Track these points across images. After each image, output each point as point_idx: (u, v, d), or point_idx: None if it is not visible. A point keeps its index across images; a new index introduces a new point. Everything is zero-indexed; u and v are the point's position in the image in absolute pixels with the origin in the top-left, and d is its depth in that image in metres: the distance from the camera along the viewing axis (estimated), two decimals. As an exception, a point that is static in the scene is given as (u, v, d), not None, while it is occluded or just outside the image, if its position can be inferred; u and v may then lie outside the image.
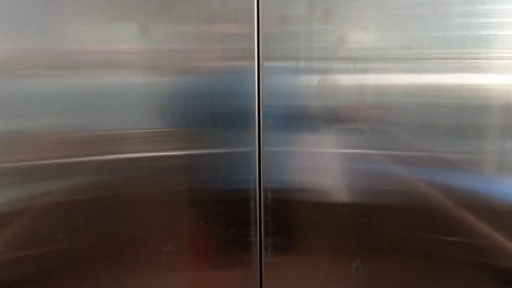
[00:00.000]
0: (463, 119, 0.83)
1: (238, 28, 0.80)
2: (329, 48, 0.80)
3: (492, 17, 0.79)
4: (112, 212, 0.86)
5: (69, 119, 0.81)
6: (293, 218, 0.89)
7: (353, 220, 0.88)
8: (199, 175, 0.85)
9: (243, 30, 0.79)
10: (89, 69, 0.79)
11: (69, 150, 0.82)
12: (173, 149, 0.84)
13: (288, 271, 0.90)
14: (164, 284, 0.90)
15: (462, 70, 0.81)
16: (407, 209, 0.87)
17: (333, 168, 0.87)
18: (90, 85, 0.80)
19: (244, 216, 0.86)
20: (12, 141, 0.81)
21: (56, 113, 0.81)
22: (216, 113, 0.83)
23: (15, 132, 0.81)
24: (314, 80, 0.82)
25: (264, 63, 0.81)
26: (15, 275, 0.86)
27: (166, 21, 0.79)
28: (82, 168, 0.83)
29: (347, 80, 0.82)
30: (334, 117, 0.84)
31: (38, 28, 0.77)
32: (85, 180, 0.84)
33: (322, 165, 0.86)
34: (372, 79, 0.82)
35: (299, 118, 0.83)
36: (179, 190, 0.87)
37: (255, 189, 0.85)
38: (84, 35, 0.78)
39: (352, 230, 0.89)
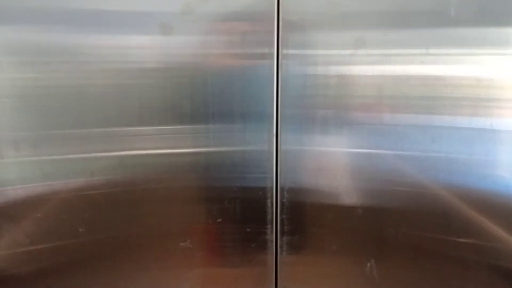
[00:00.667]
0: (479, 120, 0.83)
1: (257, 25, 0.80)
2: (348, 47, 0.80)
3: None
4: (129, 207, 0.87)
5: (89, 115, 0.82)
6: (309, 218, 0.89)
7: (368, 220, 0.88)
8: (216, 173, 0.86)
9: (262, 28, 0.80)
10: (109, 65, 0.80)
11: (89, 146, 0.83)
12: (191, 146, 0.85)
13: (303, 270, 0.91)
14: (179, 280, 0.90)
15: (480, 71, 0.81)
16: (422, 211, 0.87)
17: (350, 169, 0.87)
18: (109, 81, 0.81)
19: (261, 214, 0.87)
20: (35, 136, 0.82)
21: (77, 109, 0.82)
22: (234, 110, 0.83)
23: (38, 127, 0.82)
24: (333, 79, 0.82)
25: (283, 62, 0.81)
26: (33, 267, 0.87)
27: (185, 17, 0.79)
28: (101, 163, 0.84)
29: (366, 79, 0.82)
30: (353, 116, 0.84)
31: (57, 22, 0.79)
32: (104, 175, 0.85)
33: (339, 165, 0.86)
34: (391, 78, 0.82)
35: (317, 117, 0.84)
36: (197, 187, 0.88)
37: (271, 188, 0.86)
38: (103, 31, 0.79)
39: (367, 231, 0.89)
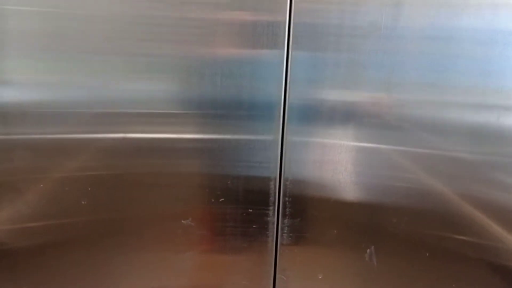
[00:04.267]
0: (482, 119, 0.83)
1: (269, 16, 0.80)
2: (359, 41, 0.81)
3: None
4: (133, 188, 0.88)
5: (97, 95, 0.82)
6: (311, 204, 0.89)
7: (370, 213, 0.89)
8: (221, 160, 0.86)
9: (274, 19, 0.80)
10: (117, 47, 0.80)
11: (95, 125, 0.84)
12: (197, 132, 0.85)
13: (303, 253, 0.92)
14: (180, 258, 0.91)
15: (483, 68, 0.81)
16: (422, 207, 0.87)
17: (355, 162, 0.87)
18: (119, 61, 0.81)
19: (263, 196, 0.87)
20: (40, 113, 0.83)
21: (84, 88, 0.82)
22: (242, 99, 0.83)
23: (45, 104, 0.82)
24: (341, 72, 0.82)
25: (293, 52, 0.81)
26: (34, 242, 0.88)
27: (198, 6, 0.79)
28: (107, 144, 0.85)
29: (374, 73, 0.82)
30: (359, 111, 0.84)
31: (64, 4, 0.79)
32: (109, 155, 0.85)
33: (344, 158, 0.87)
34: (399, 74, 0.82)
35: (324, 110, 0.84)
36: (200, 172, 0.88)
37: (275, 177, 0.86)
38: (113, 12, 0.79)
39: (368, 222, 0.89)
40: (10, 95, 0.81)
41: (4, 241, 0.88)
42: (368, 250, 0.90)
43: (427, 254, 0.89)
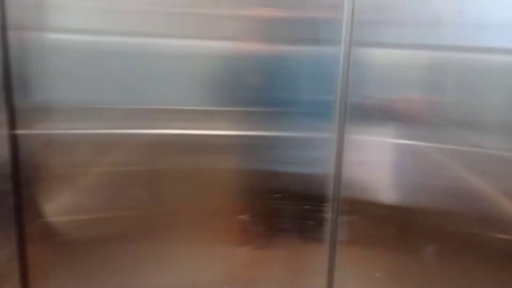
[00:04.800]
0: None
1: (330, 13, 0.79)
2: (420, 37, 0.79)
3: None
4: (195, 184, 0.89)
5: (154, 91, 0.84)
6: (367, 202, 0.89)
7: (426, 210, 0.87)
8: (281, 155, 0.87)
9: (335, 16, 0.79)
10: (176, 43, 0.82)
11: (159, 121, 0.85)
12: (258, 129, 0.86)
13: (359, 250, 0.92)
14: (238, 251, 0.93)
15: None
16: (481, 208, 0.86)
17: (412, 162, 0.86)
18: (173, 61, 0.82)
19: (320, 194, 0.88)
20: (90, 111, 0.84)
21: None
22: (301, 97, 0.84)
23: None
24: (402, 70, 0.81)
25: (354, 51, 0.80)
26: (92, 235, 0.90)
27: (257, 3, 0.80)
28: (167, 139, 0.86)
29: (435, 70, 0.81)
30: (419, 110, 0.83)
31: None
32: (170, 150, 0.87)
33: (401, 157, 0.86)
34: (461, 70, 0.81)
35: (383, 109, 0.83)
36: (260, 167, 0.89)
37: (332, 175, 0.86)
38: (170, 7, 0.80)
39: (424, 220, 0.88)
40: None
41: (64, 232, 0.91)
42: (427, 250, 0.88)
43: (487, 254, 0.87)
